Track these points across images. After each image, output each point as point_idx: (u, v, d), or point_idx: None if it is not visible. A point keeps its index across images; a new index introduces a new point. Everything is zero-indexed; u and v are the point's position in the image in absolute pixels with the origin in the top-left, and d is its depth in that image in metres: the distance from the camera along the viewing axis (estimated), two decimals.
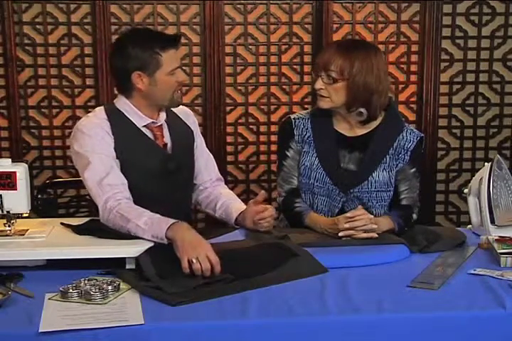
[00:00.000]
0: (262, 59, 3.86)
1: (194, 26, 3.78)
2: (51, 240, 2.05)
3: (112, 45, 2.52)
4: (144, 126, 2.32)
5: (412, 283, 1.87)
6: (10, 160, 2.06)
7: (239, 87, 3.87)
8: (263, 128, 3.92)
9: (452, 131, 4.03)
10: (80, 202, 3.53)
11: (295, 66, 3.88)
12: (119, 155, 2.24)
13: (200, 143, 2.51)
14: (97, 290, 1.75)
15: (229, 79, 3.84)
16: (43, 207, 3.12)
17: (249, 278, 1.87)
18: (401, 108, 3.88)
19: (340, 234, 2.22)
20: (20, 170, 2.04)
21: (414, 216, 2.41)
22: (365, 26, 3.87)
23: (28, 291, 1.79)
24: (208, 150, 2.55)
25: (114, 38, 3.37)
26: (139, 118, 2.31)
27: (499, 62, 3.98)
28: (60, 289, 1.77)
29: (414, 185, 2.43)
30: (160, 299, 1.74)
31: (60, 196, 3.59)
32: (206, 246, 1.93)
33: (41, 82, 3.74)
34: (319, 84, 2.33)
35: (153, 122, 2.33)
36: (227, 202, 2.42)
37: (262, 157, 3.94)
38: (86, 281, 1.82)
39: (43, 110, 3.77)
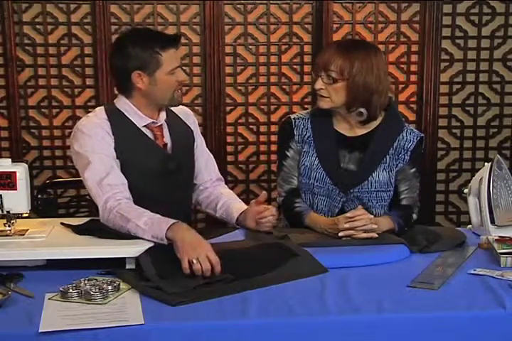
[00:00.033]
0: (262, 59, 3.86)
1: (194, 26, 3.78)
2: (51, 240, 2.05)
3: (112, 45, 2.52)
4: (144, 126, 2.31)
5: (412, 283, 1.87)
6: (10, 160, 2.06)
7: (239, 87, 3.87)
8: (263, 128, 3.92)
9: (452, 131, 4.03)
10: (79, 202, 3.53)
11: (295, 66, 3.88)
12: (119, 155, 2.24)
13: (200, 143, 2.51)
14: (97, 290, 1.75)
15: (229, 79, 3.84)
16: (43, 207, 3.12)
17: (249, 278, 1.87)
18: (401, 108, 3.88)
19: (340, 234, 2.21)
20: (20, 170, 2.04)
21: (414, 216, 2.41)
22: (365, 26, 3.87)
23: (28, 291, 1.79)
24: (208, 150, 2.55)
25: (114, 37, 3.37)
26: (139, 118, 2.31)
27: (499, 62, 3.97)
28: (60, 289, 1.77)
29: (414, 185, 2.43)
30: (160, 299, 1.74)
31: (60, 196, 3.59)
32: (206, 247, 1.93)
33: (41, 82, 3.74)
34: (319, 84, 2.33)
35: (153, 122, 2.33)
36: (227, 202, 2.42)
37: (262, 157, 3.94)
38: (86, 281, 1.82)
39: (43, 110, 3.77)
